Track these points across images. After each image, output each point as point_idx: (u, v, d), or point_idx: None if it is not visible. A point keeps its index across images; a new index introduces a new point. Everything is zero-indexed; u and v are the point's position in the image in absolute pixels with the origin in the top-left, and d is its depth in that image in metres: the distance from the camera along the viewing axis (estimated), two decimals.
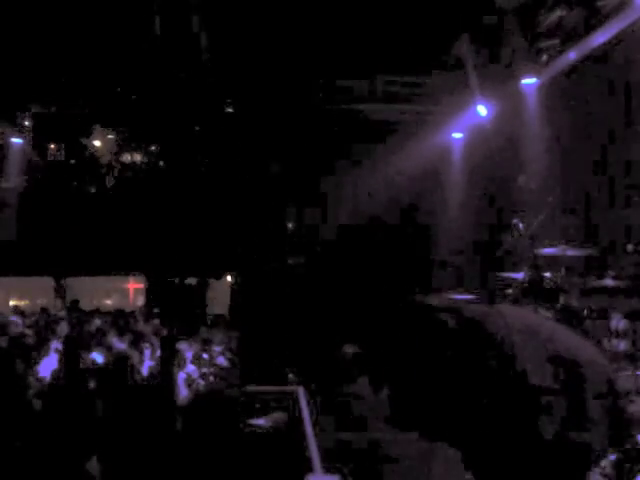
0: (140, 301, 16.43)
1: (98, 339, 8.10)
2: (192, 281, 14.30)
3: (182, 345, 7.73)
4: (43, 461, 3.93)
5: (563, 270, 7.20)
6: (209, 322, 12.06)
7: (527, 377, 2.57)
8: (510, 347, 2.64)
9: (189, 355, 7.79)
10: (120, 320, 10.45)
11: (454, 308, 3.40)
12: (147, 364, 7.59)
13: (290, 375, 10.10)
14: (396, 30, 9.11)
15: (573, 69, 9.01)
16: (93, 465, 3.95)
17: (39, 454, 3.99)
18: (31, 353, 6.56)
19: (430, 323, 3.34)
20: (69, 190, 14.16)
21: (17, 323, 9.12)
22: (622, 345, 7.12)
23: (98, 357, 7.74)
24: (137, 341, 7.47)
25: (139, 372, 6.18)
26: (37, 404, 5.03)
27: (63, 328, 8.92)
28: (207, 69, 10.37)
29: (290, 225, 14.25)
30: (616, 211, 8.48)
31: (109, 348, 7.43)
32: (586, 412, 2.34)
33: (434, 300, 3.59)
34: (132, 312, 11.93)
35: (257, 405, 7.19)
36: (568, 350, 2.68)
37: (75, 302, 12.99)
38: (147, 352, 8.14)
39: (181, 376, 6.91)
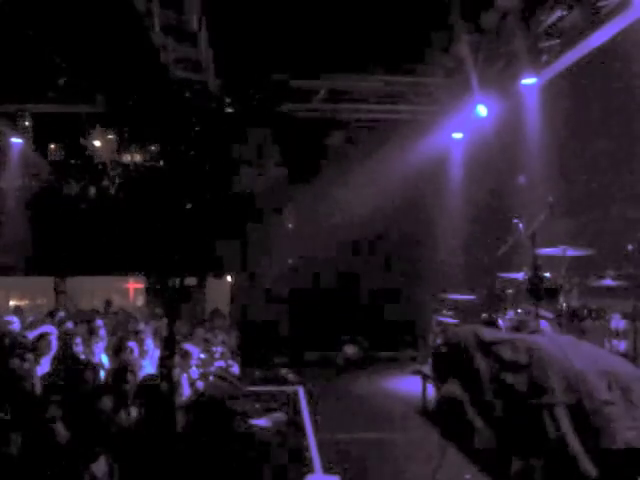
0: (140, 301, 16.44)
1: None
2: (192, 281, 14.29)
3: (188, 346, 7.73)
4: (47, 462, 3.93)
5: (563, 270, 7.20)
6: (208, 322, 12.05)
7: (596, 392, 3.14)
8: (572, 369, 3.23)
9: (195, 356, 7.80)
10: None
11: (508, 340, 3.42)
12: (146, 364, 7.61)
13: (290, 375, 10.12)
14: (396, 29, 9.10)
15: (573, 69, 9.00)
16: (101, 466, 3.95)
17: (43, 454, 3.99)
18: (31, 352, 6.54)
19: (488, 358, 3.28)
20: (69, 190, 14.16)
21: (13, 322, 9.12)
22: (622, 345, 7.12)
23: (104, 359, 7.76)
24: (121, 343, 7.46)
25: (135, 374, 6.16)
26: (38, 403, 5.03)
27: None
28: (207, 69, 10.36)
29: (290, 225, 14.24)
30: (617, 211, 8.48)
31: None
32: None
33: (484, 333, 3.55)
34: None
35: (257, 405, 7.20)
36: (612, 366, 3.49)
37: (108, 303, 13.12)
38: (148, 351, 8.16)
39: (183, 376, 6.91)
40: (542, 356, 3.23)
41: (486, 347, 3.37)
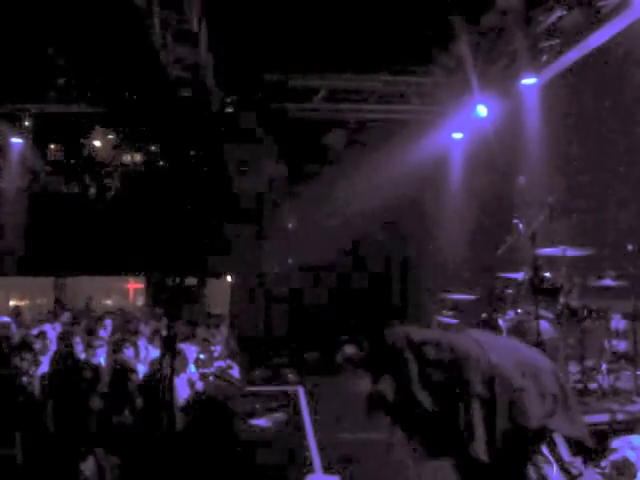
0: (140, 301, 16.45)
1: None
2: (192, 281, 14.30)
3: (184, 346, 7.72)
4: (41, 460, 3.92)
5: (563, 270, 7.19)
6: (208, 322, 12.05)
7: (511, 380, 3.39)
8: (488, 364, 3.39)
9: (191, 356, 7.79)
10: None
11: (433, 340, 3.69)
12: (144, 364, 7.61)
13: (290, 375, 10.12)
14: (396, 29, 9.10)
15: (573, 69, 9.00)
16: (89, 465, 3.95)
17: (37, 453, 3.99)
18: (29, 352, 6.54)
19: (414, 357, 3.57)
20: (69, 190, 14.16)
21: (10, 322, 9.15)
22: (622, 345, 7.12)
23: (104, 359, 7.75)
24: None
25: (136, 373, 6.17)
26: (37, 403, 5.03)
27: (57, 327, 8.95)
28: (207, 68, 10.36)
29: (290, 225, 14.24)
30: (617, 211, 8.48)
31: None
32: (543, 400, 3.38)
33: (414, 334, 3.74)
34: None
35: (257, 405, 7.19)
36: (526, 357, 3.55)
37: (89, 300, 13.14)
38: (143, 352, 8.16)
39: (182, 377, 6.90)
40: (462, 353, 3.62)
41: (415, 347, 3.68)
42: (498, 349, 3.67)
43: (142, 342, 8.47)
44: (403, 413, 3.70)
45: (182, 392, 6.67)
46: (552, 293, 7.06)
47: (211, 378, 7.67)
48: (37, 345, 7.26)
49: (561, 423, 3.44)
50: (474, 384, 3.36)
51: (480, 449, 3.32)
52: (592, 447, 3.66)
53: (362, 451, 6.05)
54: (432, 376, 3.49)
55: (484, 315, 8.08)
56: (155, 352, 8.10)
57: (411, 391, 3.55)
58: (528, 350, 3.96)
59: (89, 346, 7.75)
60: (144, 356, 7.94)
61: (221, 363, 8.48)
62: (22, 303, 15.52)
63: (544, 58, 9.24)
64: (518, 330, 7.17)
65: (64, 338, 7.71)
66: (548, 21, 8.66)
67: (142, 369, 7.27)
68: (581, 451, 4.00)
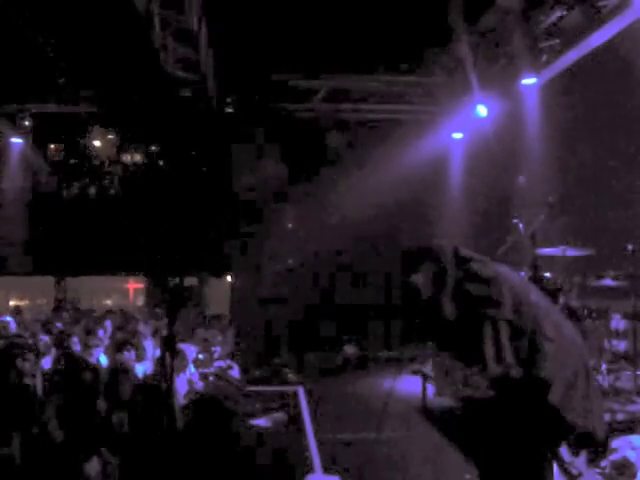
0: (140, 301, 16.46)
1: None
2: (192, 281, 14.30)
3: (184, 346, 7.71)
4: (43, 461, 3.93)
5: (563, 270, 7.19)
6: (208, 322, 12.05)
7: (543, 327, 3.34)
8: (527, 300, 3.47)
9: (191, 356, 7.79)
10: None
11: (481, 259, 3.66)
12: (146, 364, 7.61)
13: (290, 375, 10.12)
14: (396, 29, 9.10)
15: (573, 69, 9.01)
16: (94, 465, 3.95)
17: (39, 454, 3.99)
18: (31, 352, 6.53)
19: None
20: (69, 190, 14.16)
21: (10, 323, 9.15)
22: (622, 345, 7.12)
23: (103, 358, 7.75)
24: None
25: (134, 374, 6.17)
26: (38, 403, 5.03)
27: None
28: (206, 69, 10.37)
29: (290, 225, 14.24)
30: (617, 210, 8.47)
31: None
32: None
33: (461, 248, 3.67)
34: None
35: (257, 405, 7.19)
36: (560, 318, 3.73)
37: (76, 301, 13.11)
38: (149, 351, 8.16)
39: (181, 377, 6.90)
40: (503, 276, 3.56)
41: (460, 260, 3.62)
42: (537, 295, 3.62)
43: (149, 342, 8.45)
44: (428, 319, 3.61)
45: (182, 392, 6.67)
46: (552, 293, 7.07)
47: (211, 378, 7.66)
48: (38, 345, 7.26)
49: (576, 411, 3.28)
50: (506, 307, 3.29)
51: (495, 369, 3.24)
52: (601, 441, 3.50)
53: (361, 451, 6.05)
54: (466, 286, 3.43)
55: None
56: (158, 352, 8.10)
57: (440, 298, 3.48)
58: (562, 316, 3.81)
59: (86, 346, 7.74)
60: (151, 356, 7.94)
61: (221, 363, 8.47)
62: (22, 303, 15.54)
63: (544, 58, 9.24)
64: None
65: (61, 338, 7.71)
66: (548, 21, 8.67)
67: (147, 369, 7.28)
68: (585, 445, 3.83)
